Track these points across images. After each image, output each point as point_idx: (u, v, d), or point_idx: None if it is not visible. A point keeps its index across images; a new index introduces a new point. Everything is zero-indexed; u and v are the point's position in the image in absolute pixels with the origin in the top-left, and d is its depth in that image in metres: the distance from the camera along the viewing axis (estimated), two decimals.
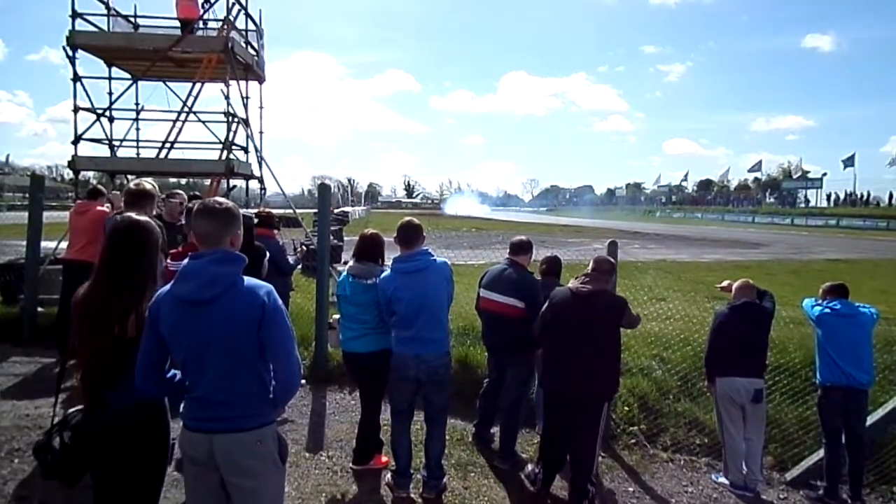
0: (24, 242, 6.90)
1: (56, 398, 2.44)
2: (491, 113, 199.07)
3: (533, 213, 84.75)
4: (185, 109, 9.76)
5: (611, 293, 3.87)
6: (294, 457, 3.92)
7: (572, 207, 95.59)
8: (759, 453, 4.16)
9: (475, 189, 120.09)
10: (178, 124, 9.76)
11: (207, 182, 11.66)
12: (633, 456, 4.50)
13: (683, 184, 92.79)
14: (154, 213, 4.34)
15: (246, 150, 10.72)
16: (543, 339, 3.80)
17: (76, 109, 9.45)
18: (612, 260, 4.16)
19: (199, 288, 1.97)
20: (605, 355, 3.59)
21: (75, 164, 9.45)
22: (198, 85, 9.71)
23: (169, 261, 3.34)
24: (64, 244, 6.63)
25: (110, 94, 10.14)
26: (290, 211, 10.13)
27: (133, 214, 2.38)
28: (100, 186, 6.42)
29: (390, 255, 3.75)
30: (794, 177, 76.32)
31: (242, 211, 2.28)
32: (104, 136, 10.19)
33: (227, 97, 9.40)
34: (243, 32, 10.50)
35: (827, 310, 4.19)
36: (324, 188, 6.37)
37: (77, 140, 9.50)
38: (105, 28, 9.79)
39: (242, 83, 10.50)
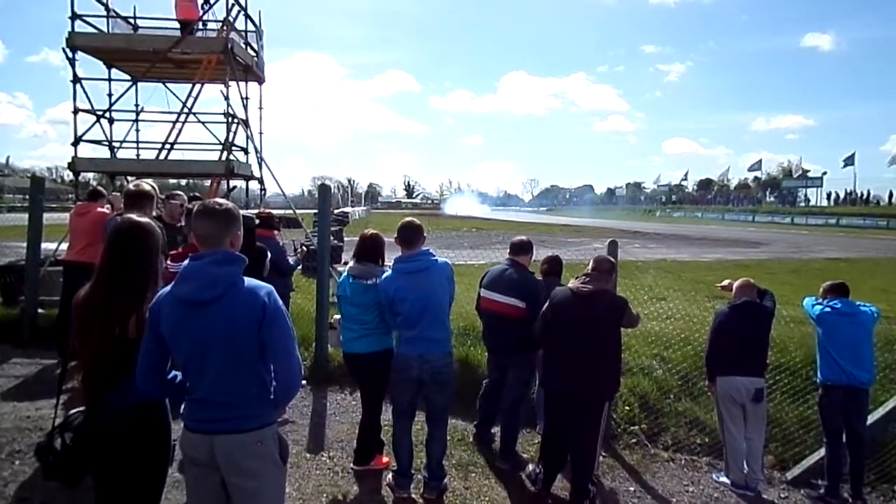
0: (25, 244, 6.91)
1: (57, 399, 2.45)
2: (491, 113, 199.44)
3: (533, 212, 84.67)
4: (185, 110, 9.77)
5: (611, 293, 3.88)
6: (295, 457, 3.93)
7: (572, 207, 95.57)
8: (759, 452, 4.16)
9: (475, 189, 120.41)
10: (178, 125, 9.77)
11: (207, 183, 11.67)
12: (633, 455, 4.50)
13: (683, 183, 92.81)
14: (154, 214, 4.35)
15: (246, 150, 10.73)
16: (544, 338, 3.80)
17: (76, 111, 9.45)
18: (613, 259, 4.16)
19: (199, 289, 1.97)
20: (605, 355, 3.58)
21: (75, 165, 9.45)
22: (197, 86, 9.71)
23: (169, 262, 3.35)
24: (64, 246, 6.64)
25: (110, 95, 10.14)
26: (291, 211, 10.15)
27: (134, 216, 2.39)
28: (100, 188, 6.41)
29: (391, 255, 3.75)
30: (795, 176, 76.16)
31: (244, 212, 2.28)
32: (104, 138, 10.21)
33: (226, 98, 9.41)
34: (243, 33, 10.51)
35: (827, 309, 4.19)
36: (324, 189, 6.38)
37: (77, 141, 9.51)
38: (104, 29, 9.79)
39: (242, 84, 10.49)
